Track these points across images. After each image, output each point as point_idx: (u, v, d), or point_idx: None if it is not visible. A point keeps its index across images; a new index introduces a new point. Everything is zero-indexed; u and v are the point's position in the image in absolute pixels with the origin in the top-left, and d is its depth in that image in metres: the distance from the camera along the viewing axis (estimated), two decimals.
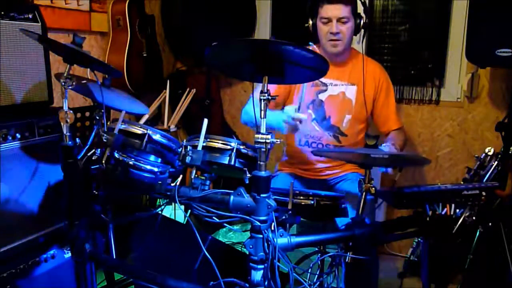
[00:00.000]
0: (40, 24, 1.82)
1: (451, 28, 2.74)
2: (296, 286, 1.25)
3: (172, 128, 2.66)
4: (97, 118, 1.48)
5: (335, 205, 1.49)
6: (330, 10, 1.98)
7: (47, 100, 1.88)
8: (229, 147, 1.24)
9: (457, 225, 1.58)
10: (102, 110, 1.44)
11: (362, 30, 2.07)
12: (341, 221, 1.60)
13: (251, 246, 1.18)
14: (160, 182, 1.33)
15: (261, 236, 1.17)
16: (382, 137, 2.26)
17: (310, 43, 1.86)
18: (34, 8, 1.83)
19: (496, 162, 2.22)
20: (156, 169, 1.40)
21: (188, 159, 1.23)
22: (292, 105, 1.78)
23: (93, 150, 1.41)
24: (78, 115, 1.92)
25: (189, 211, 2.22)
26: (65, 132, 1.43)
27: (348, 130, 2.14)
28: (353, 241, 1.35)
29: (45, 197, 1.77)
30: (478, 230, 2.09)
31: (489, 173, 2.23)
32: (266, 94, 1.15)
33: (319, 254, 1.53)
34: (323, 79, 2.11)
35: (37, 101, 1.83)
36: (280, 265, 1.21)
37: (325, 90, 2.13)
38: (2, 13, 1.67)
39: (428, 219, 1.38)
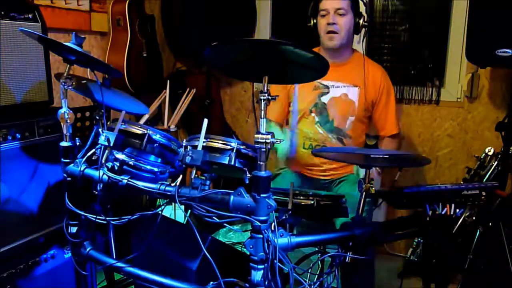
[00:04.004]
0: (40, 24, 1.82)
1: (451, 28, 2.74)
2: (296, 286, 1.25)
3: (172, 128, 2.65)
4: (97, 118, 1.47)
5: (335, 205, 1.49)
6: (328, 2, 2.02)
7: (47, 100, 1.88)
8: (229, 147, 1.23)
9: (457, 225, 1.58)
10: (102, 110, 1.44)
11: (363, 30, 2.07)
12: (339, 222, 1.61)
13: (251, 246, 1.18)
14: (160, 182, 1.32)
15: (261, 236, 1.16)
16: (379, 140, 2.27)
17: None
18: (34, 8, 1.83)
19: (496, 162, 2.22)
20: (156, 169, 1.40)
21: (188, 159, 1.23)
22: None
23: (93, 150, 1.41)
24: (78, 115, 1.92)
25: (189, 211, 2.23)
26: (65, 132, 1.43)
27: (351, 132, 2.13)
28: (353, 241, 1.34)
29: (45, 197, 1.77)
30: (478, 230, 2.09)
31: (489, 173, 2.24)
32: (266, 94, 1.15)
33: (319, 254, 1.53)
34: (324, 81, 2.10)
35: (37, 101, 1.83)
36: (280, 265, 1.21)
37: (327, 93, 2.12)
38: (2, 13, 1.67)
39: (428, 219, 1.38)
